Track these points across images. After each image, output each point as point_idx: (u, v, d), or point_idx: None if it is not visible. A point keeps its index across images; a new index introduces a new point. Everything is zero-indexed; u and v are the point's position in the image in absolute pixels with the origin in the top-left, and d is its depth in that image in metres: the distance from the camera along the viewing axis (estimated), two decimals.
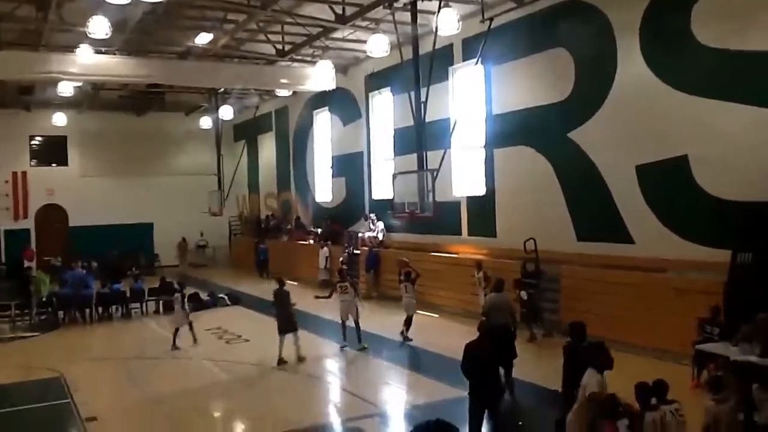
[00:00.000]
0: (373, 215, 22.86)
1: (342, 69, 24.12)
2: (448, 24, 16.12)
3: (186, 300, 16.23)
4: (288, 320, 13.63)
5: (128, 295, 20.07)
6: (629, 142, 14.36)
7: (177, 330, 15.45)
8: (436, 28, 16.19)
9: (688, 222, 13.16)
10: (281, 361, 13.22)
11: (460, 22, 16.37)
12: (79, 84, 24.18)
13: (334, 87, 23.46)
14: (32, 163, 31.90)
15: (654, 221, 13.78)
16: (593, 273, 14.25)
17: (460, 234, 19.39)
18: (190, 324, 15.67)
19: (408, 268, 15.58)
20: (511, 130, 17.42)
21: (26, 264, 27.46)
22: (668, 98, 13.44)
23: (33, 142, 32.18)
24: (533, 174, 16.74)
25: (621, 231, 14.48)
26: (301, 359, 13.40)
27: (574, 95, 15.69)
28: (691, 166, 13.04)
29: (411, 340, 14.81)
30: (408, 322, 14.97)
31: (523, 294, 14.55)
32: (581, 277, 14.51)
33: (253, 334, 16.50)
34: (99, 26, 16.54)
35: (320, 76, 22.76)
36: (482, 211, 18.58)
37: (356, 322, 14.31)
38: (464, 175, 19.54)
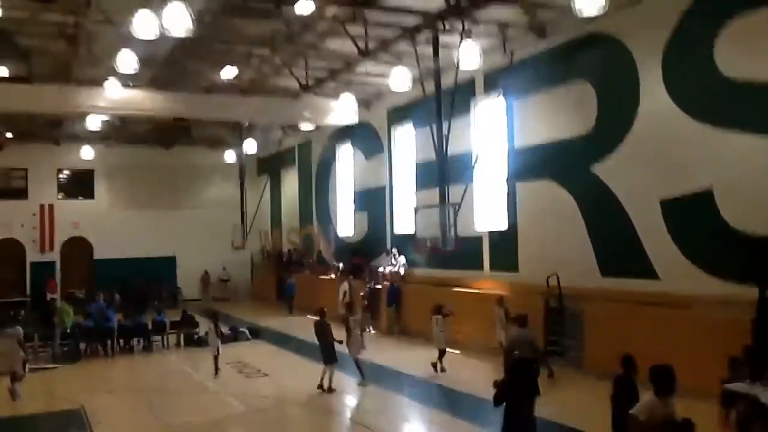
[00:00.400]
0: (394, 250, 22.80)
1: (365, 103, 24.29)
2: (469, 58, 16.18)
3: (219, 330, 16.45)
4: (330, 351, 13.77)
5: (150, 327, 20.11)
6: (653, 176, 14.21)
7: (215, 358, 15.87)
8: (458, 62, 16.27)
9: (714, 257, 12.91)
10: (321, 387, 13.48)
11: (482, 56, 16.44)
12: (107, 118, 24.64)
13: (356, 121, 23.67)
14: (59, 196, 32.41)
15: (679, 256, 13.54)
16: (617, 309, 14.00)
17: (482, 269, 19.23)
18: (218, 353, 15.84)
19: (443, 310, 15.51)
20: (533, 164, 17.35)
21: (49, 296, 27.69)
22: (692, 131, 13.31)
23: (61, 176, 32.75)
24: (556, 208, 16.60)
25: (646, 266, 14.25)
26: (330, 390, 13.44)
27: (597, 128, 15.62)
28: (716, 200, 12.85)
29: (445, 371, 14.71)
30: (440, 356, 14.90)
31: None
32: (605, 312, 14.26)
33: (272, 368, 16.40)
34: (127, 61, 16.84)
35: (343, 110, 22.98)
36: (504, 245, 18.42)
37: (357, 358, 14.27)
38: (486, 209, 19.44)
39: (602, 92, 15.51)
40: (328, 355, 13.77)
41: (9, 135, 28.67)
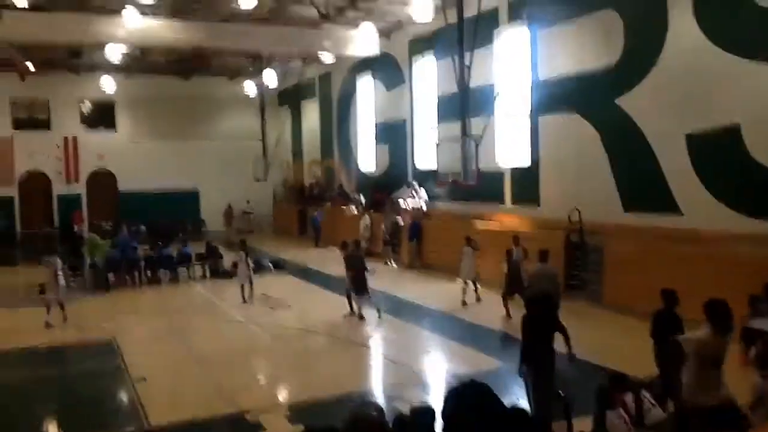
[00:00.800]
0: (415, 183, 22.78)
1: (385, 33, 23.87)
2: None
3: (249, 259, 17.15)
4: (361, 282, 14.22)
5: (176, 259, 20.49)
6: (679, 110, 13.96)
7: (242, 286, 16.64)
8: None
9: (739, 194, 12.79)
10: (352, 314, 14.27)
11: None
12: (127, 48, 24.52)
13: (377, 51, 23.33)
14: (82, 128, 32.54)
15: (704, 192, 13.42)
16: (639, 244, 13.98)
17: (504, 203, 19.21)
18: (251, 283, 16.66)
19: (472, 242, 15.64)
20: (557, 96, 17.07)
21: (76, 228, 28.16)
22: (721, 63, 12.98)
23: (82, 106, 32.83)
24: (579, 142, 16.43)
25: (669, 202, 14.16)
26: (361, 317, 14.10)
27: (624, 60, 15.27)
28: (743, 135, 12.62)
29: (480, 300, 15.28)
30: (475, 286, 15.33)
31: (504, 266, 14.29)
32: (626, 248, 14.25)
33: (296, 300, 16.71)
34: None
35: (363, 40, 22.65)
36: (526, 179, 18.34)
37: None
38: (509, 142, 19.24)
39: (629, 22, 15.10)
40: (359, 285, 14.15)
41: (30, 65, 28.63)
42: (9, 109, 31.00)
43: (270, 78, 29.54)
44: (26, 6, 19.22)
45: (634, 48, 15.05)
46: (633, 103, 15.05)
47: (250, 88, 32.11)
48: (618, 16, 15.32)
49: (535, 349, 8.10)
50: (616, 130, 15.50)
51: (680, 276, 12.29)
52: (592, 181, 15.93)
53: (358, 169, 28.48)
